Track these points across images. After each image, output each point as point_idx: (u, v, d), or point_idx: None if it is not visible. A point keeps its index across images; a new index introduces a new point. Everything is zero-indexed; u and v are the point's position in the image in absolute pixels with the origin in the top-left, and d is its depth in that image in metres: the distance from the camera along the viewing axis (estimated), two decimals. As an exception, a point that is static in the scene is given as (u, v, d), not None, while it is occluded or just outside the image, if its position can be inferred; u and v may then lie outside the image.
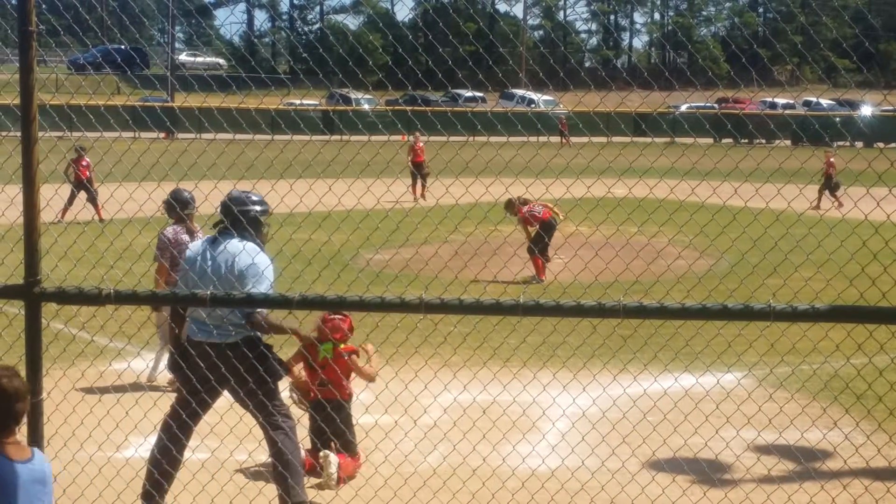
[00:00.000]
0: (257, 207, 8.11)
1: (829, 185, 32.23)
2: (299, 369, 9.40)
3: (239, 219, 7.91)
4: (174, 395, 8.53)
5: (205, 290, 7.77)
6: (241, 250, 7.83)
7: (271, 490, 8.59)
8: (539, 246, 19.70)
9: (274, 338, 8.54)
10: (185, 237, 12.01)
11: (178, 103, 54.07)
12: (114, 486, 7.96)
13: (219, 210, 8.13)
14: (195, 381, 7.81)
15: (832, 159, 32.68)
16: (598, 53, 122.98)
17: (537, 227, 19.61)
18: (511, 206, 19.48)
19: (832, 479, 8.81)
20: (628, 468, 8.65)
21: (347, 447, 9.19)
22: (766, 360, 11.73)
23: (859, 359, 10.86)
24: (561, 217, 19.70)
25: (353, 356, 9.43)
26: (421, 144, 34.93)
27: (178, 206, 11.97)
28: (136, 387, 11.54)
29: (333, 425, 9.05)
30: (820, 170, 31.70)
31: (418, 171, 34.55)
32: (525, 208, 19.56)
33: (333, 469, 8.91)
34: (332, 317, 9.28)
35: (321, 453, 9.03)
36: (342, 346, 9.32)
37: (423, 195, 33.98)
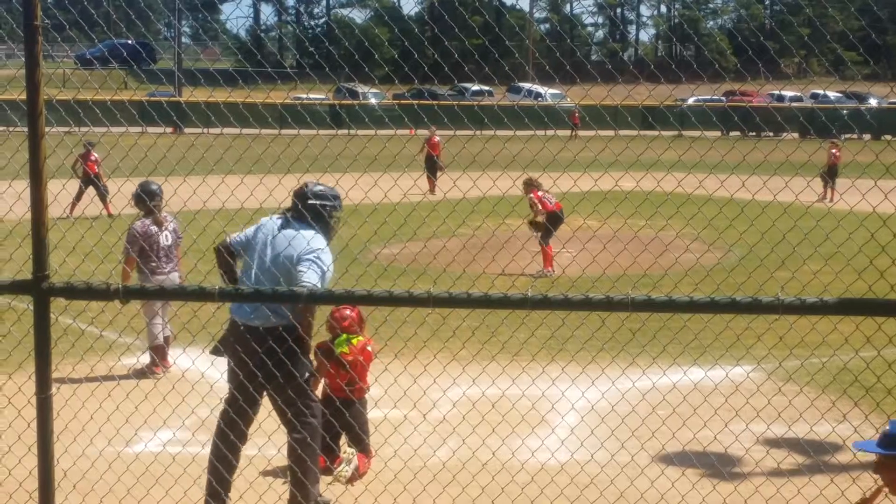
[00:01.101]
0: (327, 203, 8.11)
1: (834, 175, 32.21)
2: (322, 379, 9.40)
3: (312, 208, 7.99)
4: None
5: (254, 266, 7.86)
6: (296, 234, 7.85)
7: (277, 484, 8.60)
8: (546, 237, 19.89)
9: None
10: (154, 229, 12.19)
11: (185, 98, 54.09)
12: (124, 482, 7.97)
13: (294, 195, 8.17)
14: (239, 371, 7.79)
15: (835, 150, 32.72)
16: (604, 46, 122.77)
17: (544, 216, 19.76)
18: (528, 184, 19.90)
19: (842, 472, 8.80)
20: (638, 462, 8.65)
21: (363, 445, 9.20)
22: (774, 354, 11.72)
23: (868, 352, 10.83)
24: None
25: (373, 346, 9.51)
26: (436, 139, 35.22)
27: (147, 199, 12.15)
28: (145, 380, 11.56)
29: (359, 421, 9.09)
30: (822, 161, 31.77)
31: (430, 164, 34.80)
32: (540, 192, 19.75)
33: (351, 469, 8.92)
34: (340, 308, 9.28)
35: (348, 450, 9.05)
36: (357, 339, 9.32)
37: (431, 189, 34.16)
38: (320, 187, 8.15)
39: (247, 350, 7.61)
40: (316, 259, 7.74)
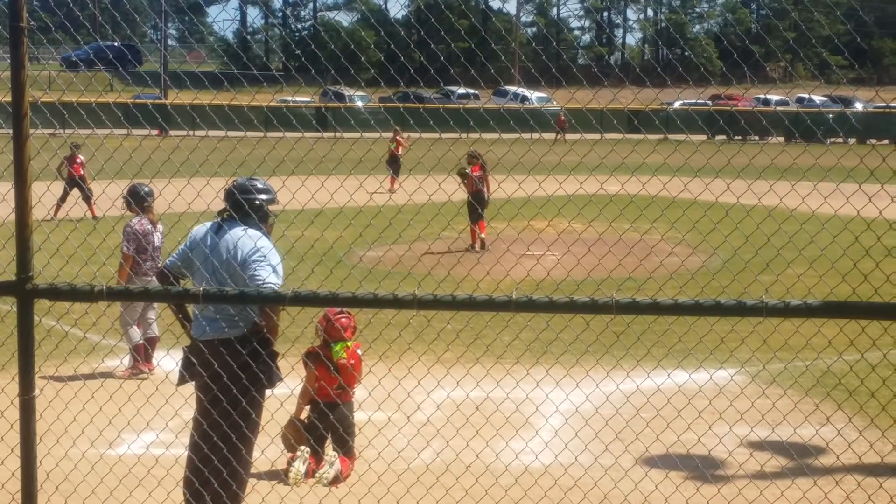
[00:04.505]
0: (262, 196, 7.73)
1: None
2: (305, 403, 9.38)
3: (240, 205, 7.57)
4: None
5: (206, 276, 7.41)
6: (241, 235, 7.43)
7: (261, 486, 8.59)
8: (473, 216, 21.51)
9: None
10: (150, 227, 12.23)
11: (171, 100, 54.01)
12: (106, 483, 7.95)
13: (223, 197, 7.77)
14: (199, 385, 7.53)
15: None
16: (591, 50, 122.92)
17: (469, 193, 21.30)
18: (472, 158, 21.04)
19: (825, 475, 8.82)
20: (621, 464, 8.66)
21: (347, 448, 9.20)
22: (758, 356, 11.74)
23: (852, 355, 10.88)
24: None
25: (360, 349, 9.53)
26: (399, 139, 35.76)
27: (138, 200, 12.19)
28: (128, 382, 11.53)
29: (344, 424, 9.10)
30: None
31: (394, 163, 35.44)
32: (477, 172, 21.12)
33: (333, 472, 8.93)
34: (338, 315, 9.28)
35: (330, 453, 9.06)
36: (350, 343, 9.34)
37: (392, 188, 34.71)
38: (248, 181, 7.80)
39: (203, 363, 7.33)
40: (262, 258, 7.37)
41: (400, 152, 35.51)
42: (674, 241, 20.26)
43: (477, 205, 21.29)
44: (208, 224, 7.71)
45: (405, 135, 36.38)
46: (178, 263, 7.73)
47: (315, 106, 62.32)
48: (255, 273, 7.31)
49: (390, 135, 36.57)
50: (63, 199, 26.17)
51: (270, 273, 7.34)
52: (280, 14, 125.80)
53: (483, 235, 22.05)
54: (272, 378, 7.52)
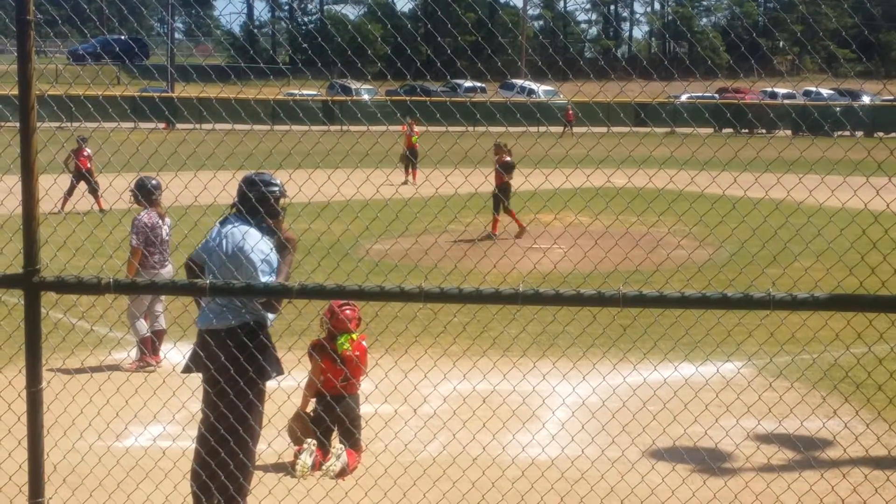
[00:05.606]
0: (271, 188, 7.66)
1: None
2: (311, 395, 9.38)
3: (247, 199, 7.55)
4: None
5: (213, 269, 7.43)
6: (243, 233, 7.40)
7: (268, 479, 8.60)
8: (497, 206, 22.20)
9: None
10: (158, 220, 12.26)
11: (177, 93, 54.02)
12: (114, 476, 7.96)
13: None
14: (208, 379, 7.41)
15: None
16: (598, 43, 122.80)
17: (498, 181, 21.91)
18: (498, 149, 21.71)
19: (832, 468, 8.82)
20: (628, 457, 8.66)
21: (354, 441, 9.20)
22: (765, 349, 11.72)
23: (859, 348, 10.86)
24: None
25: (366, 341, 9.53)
26: (415, 129, 35.85)
27: (145, 193, 12.22)
28: (135, 374, 11.54)
29: (351, 416, 9.10)
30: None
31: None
32: (507, 157, 21.66)
33: (340, 464, 8.93)
34: (343, 307, 9.28)
35: (337, 446, 9.06)
36: (356, 335, 9.35)
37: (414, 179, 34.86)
38: (256, 175, 7.74)
39: (209, 354, 7.30)
40: (240, 252, 7.34)
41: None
42: (680, 234, 20.24)
43: (502, 195, 21.99)
44: (222, 220, 7.73)
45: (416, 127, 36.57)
46: (199, 258, 7.71)
47: (322, 99, 62.31)
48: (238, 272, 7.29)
49: (398, 128, 36.55)
50: (70, 192, 26.21)
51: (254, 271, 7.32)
52: (287, 7, 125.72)
53: (490, 228, 22.70)
54: (270, 367, 7.52)
